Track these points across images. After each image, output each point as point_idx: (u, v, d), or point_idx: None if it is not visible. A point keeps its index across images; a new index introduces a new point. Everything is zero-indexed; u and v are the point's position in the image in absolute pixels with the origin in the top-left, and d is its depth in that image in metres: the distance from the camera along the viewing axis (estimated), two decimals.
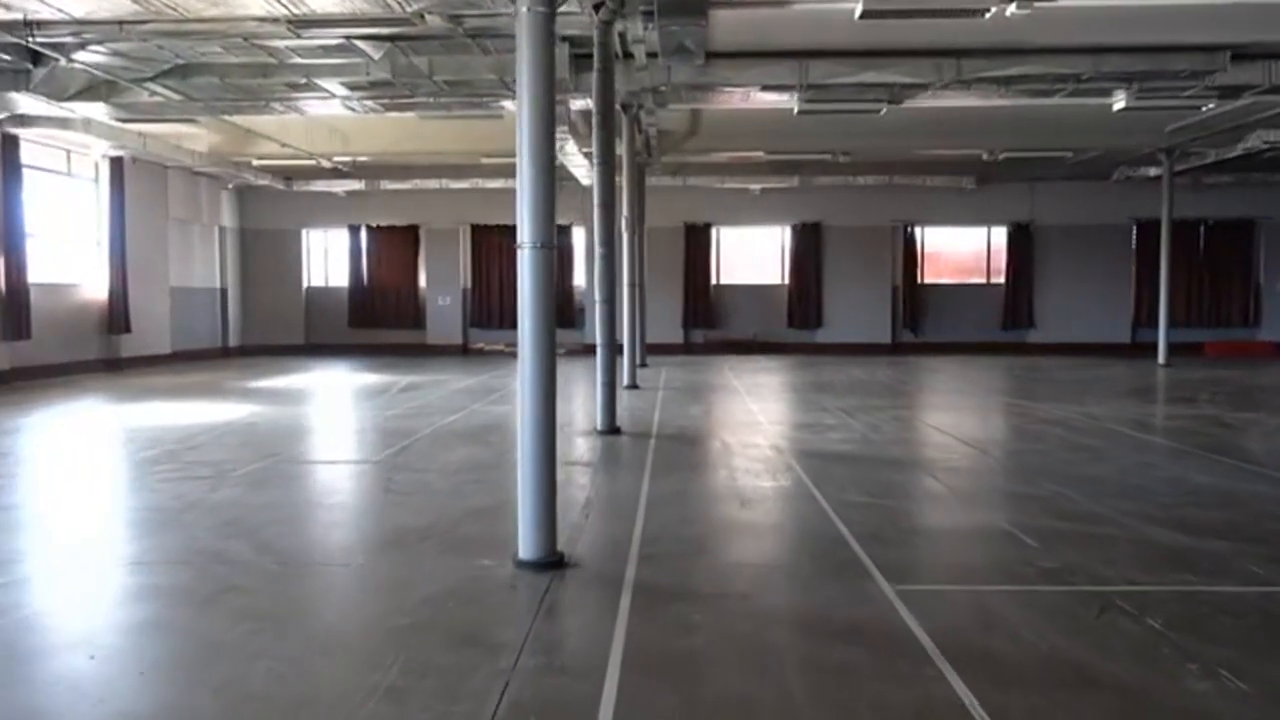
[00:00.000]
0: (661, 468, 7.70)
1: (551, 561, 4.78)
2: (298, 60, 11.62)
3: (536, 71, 4.72)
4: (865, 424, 10.45)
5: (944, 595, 4.43)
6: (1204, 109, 14.58)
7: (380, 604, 4.40)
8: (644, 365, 18.38)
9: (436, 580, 4.63)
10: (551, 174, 4.84)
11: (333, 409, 12.60)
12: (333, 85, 12.54)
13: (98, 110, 13.47)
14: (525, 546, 4.80)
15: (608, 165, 9.48)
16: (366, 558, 5.00)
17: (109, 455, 8.80)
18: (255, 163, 19.83)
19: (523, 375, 4.80)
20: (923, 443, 9.32)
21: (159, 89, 12.35)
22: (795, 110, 14.30)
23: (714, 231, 23.97)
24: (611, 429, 9.57)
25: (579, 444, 9.08)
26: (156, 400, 13.10)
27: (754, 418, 11.05)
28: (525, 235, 4.74)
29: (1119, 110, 14.34)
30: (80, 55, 11.39)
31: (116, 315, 18.27)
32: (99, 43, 10.81)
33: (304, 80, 12.10)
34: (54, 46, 11.03)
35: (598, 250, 9.58)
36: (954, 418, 11.45)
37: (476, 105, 13.80)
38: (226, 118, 15.23)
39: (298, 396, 13.63)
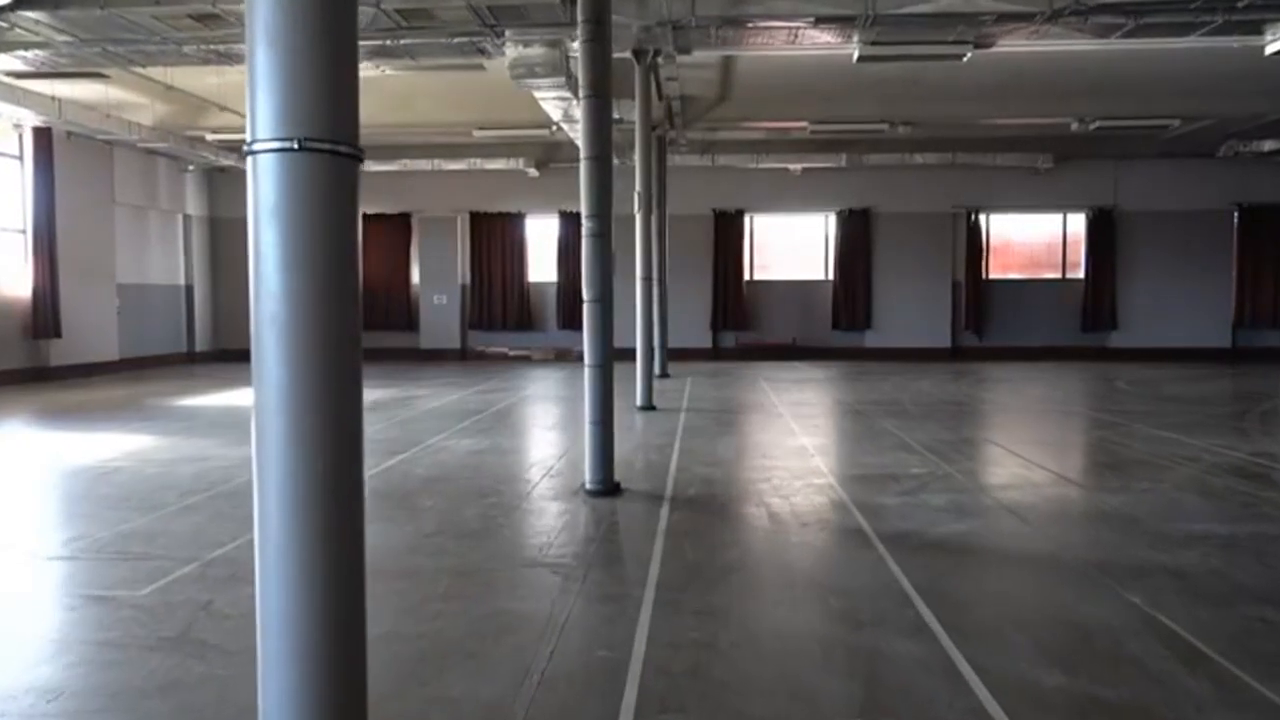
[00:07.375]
0: (674, 580, 4.65)
1: None
2: None
3: None
4: (967, 473, 7.36)
5: None
6: None
7: None
8: (665, 376, 15.36)
9: None
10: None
11: (243, 445, 9.63)
12: None
13: None
14: None
15: (599, 99, 6.36)
16: None
17: None
18: (210, 138, 17.02)
19: (261, 485, 1.79)
20: (1076, 513, 6.20)
21: (25, 20, 9.50)
22: (855, 56, 11.21)
23: (747, 219, 20.85)
24: (606, 488, 6.54)
25: (556, 518, 6.05)
26: (39, 427, 10.28)
27: (809, 461, 7.97)
28: (261, 121, 1.73)
29: (1272, 54, 11.11)
30: None
31: (42, 317, 15.50)
32: None
33: (212, 7, 9.20)
34: None
35: (584, 225, 6.44)
36: (1089, 461, 8.32)
37: (449, 51, 10.93)
38: (139, 70, 12.36)
39: (217, 422, 10.70)
